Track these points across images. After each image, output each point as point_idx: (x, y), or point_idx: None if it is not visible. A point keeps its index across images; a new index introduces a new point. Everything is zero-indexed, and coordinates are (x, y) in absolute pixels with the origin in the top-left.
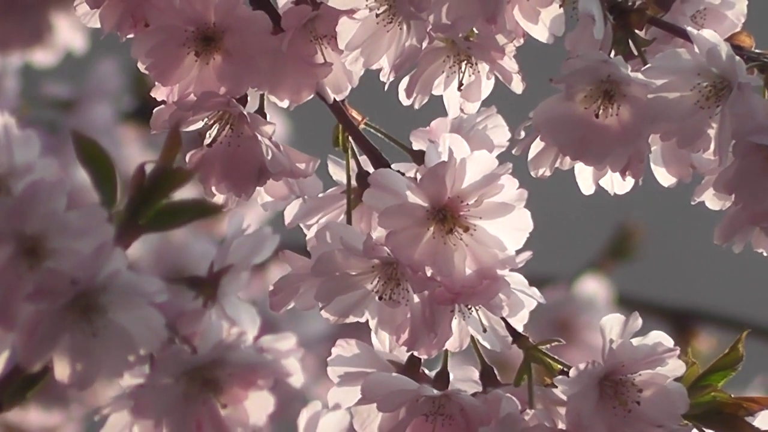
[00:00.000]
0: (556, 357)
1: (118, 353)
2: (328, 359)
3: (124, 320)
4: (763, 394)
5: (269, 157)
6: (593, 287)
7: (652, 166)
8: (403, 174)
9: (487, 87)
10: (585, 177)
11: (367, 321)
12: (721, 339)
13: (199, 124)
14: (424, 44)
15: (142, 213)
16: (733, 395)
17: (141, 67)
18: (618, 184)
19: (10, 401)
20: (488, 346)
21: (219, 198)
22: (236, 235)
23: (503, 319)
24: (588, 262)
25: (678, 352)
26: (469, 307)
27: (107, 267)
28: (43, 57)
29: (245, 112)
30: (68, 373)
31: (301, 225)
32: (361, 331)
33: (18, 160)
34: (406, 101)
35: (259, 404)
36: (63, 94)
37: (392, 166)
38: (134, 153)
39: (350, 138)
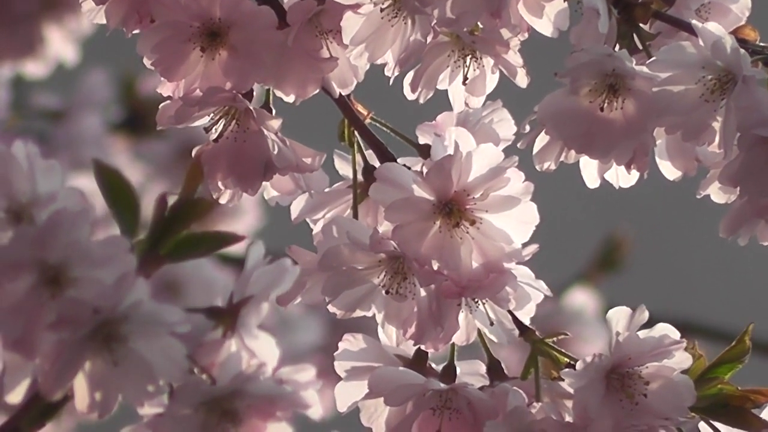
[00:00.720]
0: (562, 350)
1: (138, 383)
2: (335, 354)
3: (145, 350)
4: None
5: (275, 152)
6: (582, 299)
7: (657, 159)
8: (409, 168)
9: (491, 81)
10: (590, 171)
11: (364, 324)
12: (709, 351)
13: (205, 120)
14: (429, 39)
15: (163, 243)
16: (740, 388)
17: (146, 62)
18: (623, 177)
19: (29, 428)
20: (495, 340)
21: (225, 194)
22: (256, 265)
23: (510, 312)
24: (576, 274)
25: (684, 344)
26: (476, 300)
27: (129, 297)
28: (34, 68)
29: (251, 107)
30: (88, 402)
31: (308, 220)
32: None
33: (41, 188)
34: (411, 96)
35: None
36: (52, 105)
37: (398, 160)
38: (123, 163)
39: (356, 132)
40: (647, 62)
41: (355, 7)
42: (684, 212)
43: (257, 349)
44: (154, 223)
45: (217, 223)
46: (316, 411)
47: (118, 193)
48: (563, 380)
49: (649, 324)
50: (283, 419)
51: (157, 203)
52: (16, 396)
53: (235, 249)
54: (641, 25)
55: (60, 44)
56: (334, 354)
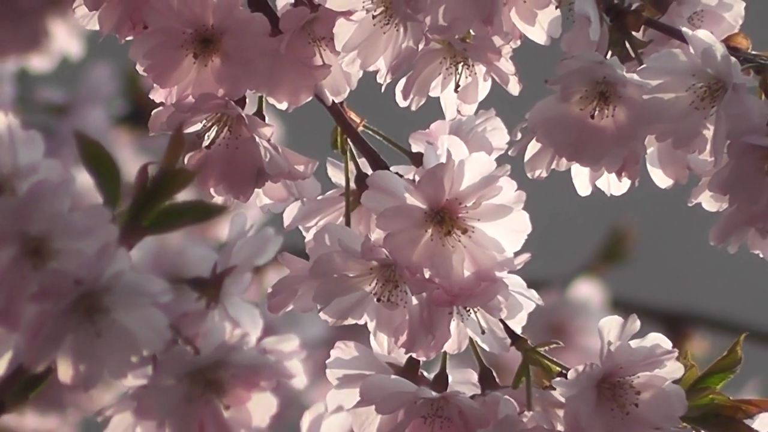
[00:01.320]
0: (554, 359)
1: (122, 354)
2: (327, 362)
3: (128, 321)
4: (758, 396)
5: (267, 159)
6: (587, 291)
7: (649, 167)
8: (401, 176)
9: (483, 89)
10: (581, 178)
11: (365, 324)
12: (714, 342)
13: (198, 126)
14: (421, 46)
15: (145, 214)
16: (730, 398)
17: (139, 68)
18: (614, 185)
19: (13, 402)
20: (486, 348)
21: (217, 200)
22: (239, 236)
23: (501, 321)
24: (582, 265)
25: (676, 354)
26: (468, 309)
27: (111, 267)
28: (39, 63)
29: (243, 114)
30: (71, 374)
31: (300, 227)
32: (358, 335)
33: (22, 160)
34: (403, 103)
35: (261, 406)
36: (57, 99)
37: (391, 168)
38: (128, 157)
39: (349, 140)
40: (638, 69)
41: (347, 14)
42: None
43: (240, 319)
44: (136, 194)
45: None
46: (299, 381)
47: (100, 164)
48: (555, 389)
49: (656, 315)
50: (267, 389)
51: (138, 174)
52: None
53: None
54: (633, 32)
55: (65, 38)
56: (326, 362)
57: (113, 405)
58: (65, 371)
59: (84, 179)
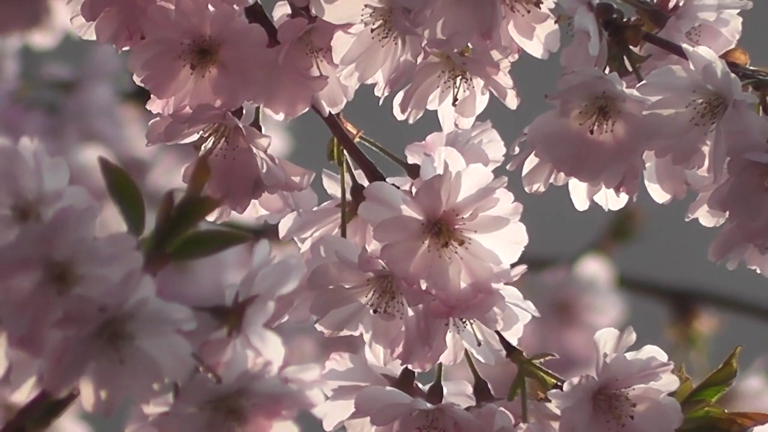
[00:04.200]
0: (549, 371)
1: (144, 381)
2: (322, 373)
3: (151, 348)
4: (763, 375)
5: (264, 170)
6: (594, 268)
7: (647, 182)
8: (398, 187)
9: (481, 102)
10: (579, 193)
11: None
12: (722, 320)
13: (195, 137)
14: (419, 59)
15: (169, 241)
16: (727, 411)
17: (137, 79)
18: (612, 200)
19: (34, 426)
20: (482, 360)
21: (214, 211)
22: (262, 264)
23: (497, 332)
24: (589, 243)
25: (672, 366)
26: (464, 320)
27: (135, 294)
28: (41, 39)
29: (240, 125)
30: (93, 400)
31: (295, 238)
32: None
33: (47, 186)
34: (400, 116)
35: None
36: (63, 75)
37: (387, 179)
38: (135, 133)
39: (345, 151)
40: (638, 85)
41: (345, 27)
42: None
43: (263, 348)
44: (160, 221)
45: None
46: (321, 410)
47: (124, 191)
48: (550, 401)
49: (664, 293)
50: (289, 418)
51: (163, 201)
52: (22, 394)
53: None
54: (632, 47)
55: (66, 15)
56: (321, 373)
57: (134, 431)
58: (88, 397)
59: (92, 156)
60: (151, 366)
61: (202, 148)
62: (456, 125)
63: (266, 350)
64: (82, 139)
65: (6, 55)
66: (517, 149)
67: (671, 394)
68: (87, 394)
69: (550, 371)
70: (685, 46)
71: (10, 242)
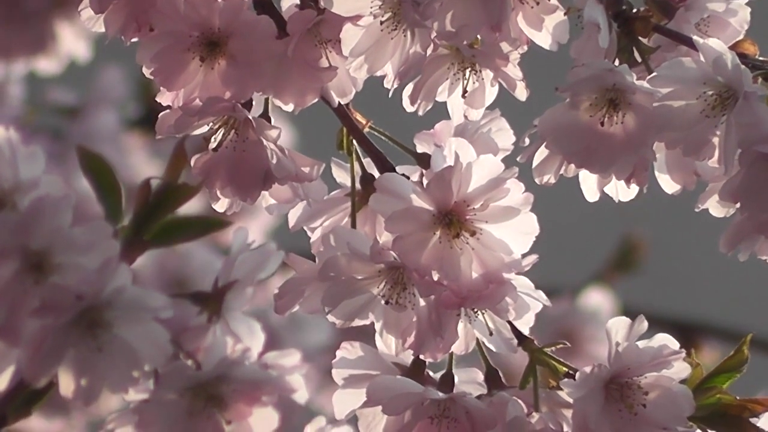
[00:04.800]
0: (561, 360)
1: (123, 368)
2: (333, 362)
3: (129, 335)
4: None
5: (274, 162)
6: (598, 299)
7: (657, 173)
8: (407, 177)
9: (491, 94)
10: (589, 184)
11: (371, 326)
12: (724, 352)
13: (204, 129)
14: (429, 51)
15: (147, 228)
16: (738, 398)
17: (146, 71)
18: (622, 191)
19: (15, 416)
20: (494, 349)
21: (224, 203)
22: (241, 250)
23: (509, 322)
24: (593, 273)
25: (683, 354)
26: (475, 310)
27: (112, 282)
28: (46, 65)
29: (250, 117)
30: (73, 388)
31: (305, 228)
32: (363, 339)
33: (23, 175)
34: (410, 108)
35: (263, 420)
36: (68, 101)
37: (396, 169)
38: (140, 161)
39: (354, 141)
40: (648, 78)
41: (354, 19)
42: (700, 214)
43: (242, 334)
44: (137, 208)
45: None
46: (301, 395)
47: (102, 178)
48: (562, 390)
49: (667, 325)
50: (269, 404)
51: (140, 188)
52: (0, 383)
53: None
54: (641, 38)
55: (72, 41)
56: (332, 362)
57: (115, 418)
58: (67, 386)
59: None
60: (130, 353)
61: (212, 140)
62: (465, 117)
63: (246, 336)
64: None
65: (11, 81)
66: (527, 141)
67: (683, 382)
68: (66, 382)
69: (561, 360)
70: (695, 37)
71: None
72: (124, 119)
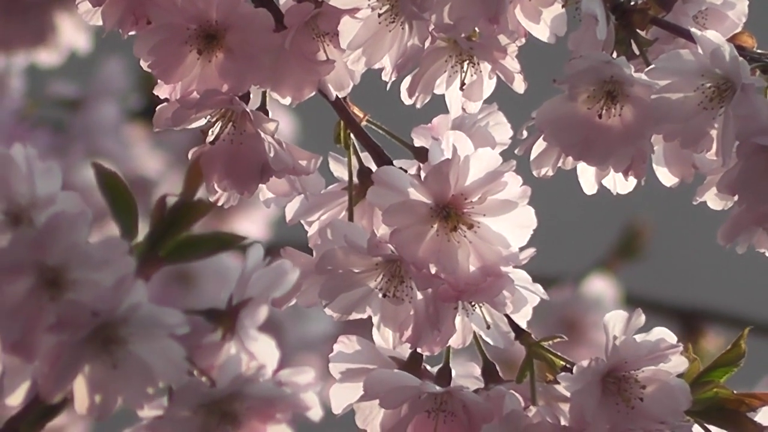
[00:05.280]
0: (558, 353)
1: (138, 385)
2: (330, 356)
3: (144, 352)
4: None
5: (272, 155)
6: (601, 287)
7: (654, 166)
8: (405, 171)
9: (488, 86)
10: (587, 177)
11: (370, 319)
12: (728, 338)
13: (202, 122)
14: (426, 44)
15: (162, 245)
16: (735, 392)
17: (143, 64)
18: (620, 183)
19: (29, 431)
20: (491, 343)
21: (221, 196)
22: (256, 267)
23: (506, 315)
24: (595, 261)
25: (681, 348)
26: (473, 303)
27: (128, 299)
28: (46, 57)
29: (248, 110)
30: (87, 404)
31: (302, 222)
32: (364, 330)
33: (40, 191)
34: (408, 101)
35: None
36: (69, 94)
37: (394, 162)
38: (142, 152)
39: (352, 135)
40: (646, 70)
41: (352, 12)
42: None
43: (257, 351)
44: (153, 225)
45: (231, 215)
46: (315, 413)
47: (117, 195)
48: (559, 383)
49: (670, 312)
50: (283, 421)
51: (156, 205)
52: (15, 399)
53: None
54: (639, 31)
55: (72, 33)
56: (329, 356)
57: None
58: (81, 402)
59: (90, 176)
60: (145, 370)
61: (210, 133)
62: (463, 109)
63: (260, 353)
64: (88, 158)
65: (12, 73)
66: (525, 134)
67: (680, 376)
68: (81, 398)
69: (558, 353)
70: (693, 30)
71: (2, 247)
72: (125, 111)
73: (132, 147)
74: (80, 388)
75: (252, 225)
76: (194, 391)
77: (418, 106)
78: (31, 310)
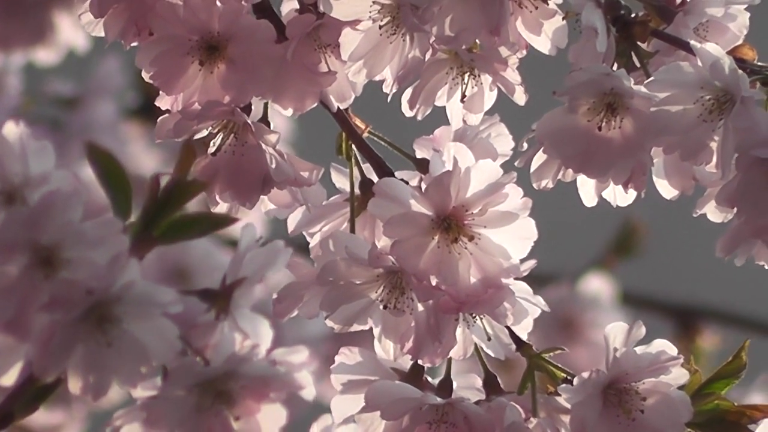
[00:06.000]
0: (559, 365)
1: (132, 364)
2: (332, 367)
3: (138, 331)
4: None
5: (273, 166)
6: (597, 285)
7: (654, 178)
8: (406, 182)
9: (489, 98)
10: (587, 189)
11: (370, 328)
12: (725, 336)
13: (204, 133)
14: (427, 56)
15: (156, 224)
16: (735, 401)
17: (145, 76)
18: (620, 196)
19: (22, 411)
20: (492, 354)
21: (222, 207)
22: (249, 247)
23: (507, 327)
24: (592, 259)
25: (681, 360)
26: (474, 315)
27: (122, 278)
28: (45, 56)
29: (249, 121)
30: (81, 383)
31: (304, 233)
32: (361, 336)
33: (33, 170)
34: (408, 112)
35: (271, 417)
36: (66, 92)
37: (395, 174)
38: (139, 150)
39: (354, 146)
40: (645, 82)
41: (354, 24)
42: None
43: (250, 331)
44: (146, 205)
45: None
46: (309, 392)
47: (111, 175)
48: (560, 395)
49: (667, 310)
50: (277, 400)
51: (150, 184)
52: (9, 378)
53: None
54: (639, 43)
55: (70, 31)
56: (330, 367)
57: (122, 415)
58: (75, 381)
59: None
60: (139, 349)
61: (211, 144)
62: (464, 121)
63: (254, 333)
64: (86, 156)
65: (9, 71)
66: (525, 146)
67: (681, 388)
68: (75, 377)
69: (559, 365)
70: (692, 42)
71: None
72: (122, 109)
73: (129, 145)
74: (74, 367)
75: (249, 220)
76: (188, 371)
77: (419, 117)
78: (24, 289)
